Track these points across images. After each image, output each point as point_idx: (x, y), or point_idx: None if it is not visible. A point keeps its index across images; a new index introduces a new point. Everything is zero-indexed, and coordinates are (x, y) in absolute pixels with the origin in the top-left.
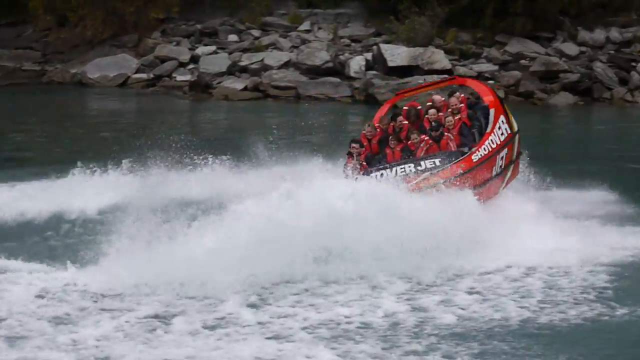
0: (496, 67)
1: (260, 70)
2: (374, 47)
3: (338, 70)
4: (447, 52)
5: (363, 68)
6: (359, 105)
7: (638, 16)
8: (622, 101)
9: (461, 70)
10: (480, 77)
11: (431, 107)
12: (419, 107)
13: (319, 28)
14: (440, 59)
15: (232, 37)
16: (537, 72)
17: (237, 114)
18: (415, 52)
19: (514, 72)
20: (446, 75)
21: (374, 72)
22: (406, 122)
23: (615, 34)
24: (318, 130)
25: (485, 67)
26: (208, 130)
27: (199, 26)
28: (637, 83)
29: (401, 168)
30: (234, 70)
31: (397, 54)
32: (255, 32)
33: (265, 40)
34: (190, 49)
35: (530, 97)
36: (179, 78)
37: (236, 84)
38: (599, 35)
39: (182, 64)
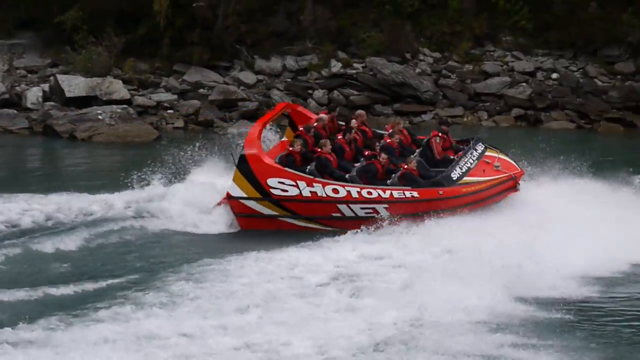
0: (175, 97)
1: None
2: (51, 78)
3: (15, 101)
4: (126, 82)
5: (40, 99)
6: (37, 137)
7: (313, 45)
8: None
9: (140, 100)
10: (159, 106)
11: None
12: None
13: None
14: (119, 89)
15: None
16: (216, 101)
17: None
18: (93, 83)
19: (193, 101)
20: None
21: (52, 103)
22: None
23: (291, 62)
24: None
25: (164, 96)
26: None
27: None
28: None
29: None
30: None
31: (75, 85)
32: None
33: None
34: None
35: (210, 125)
36: None
37: None
38: (275, 63)
39: None
